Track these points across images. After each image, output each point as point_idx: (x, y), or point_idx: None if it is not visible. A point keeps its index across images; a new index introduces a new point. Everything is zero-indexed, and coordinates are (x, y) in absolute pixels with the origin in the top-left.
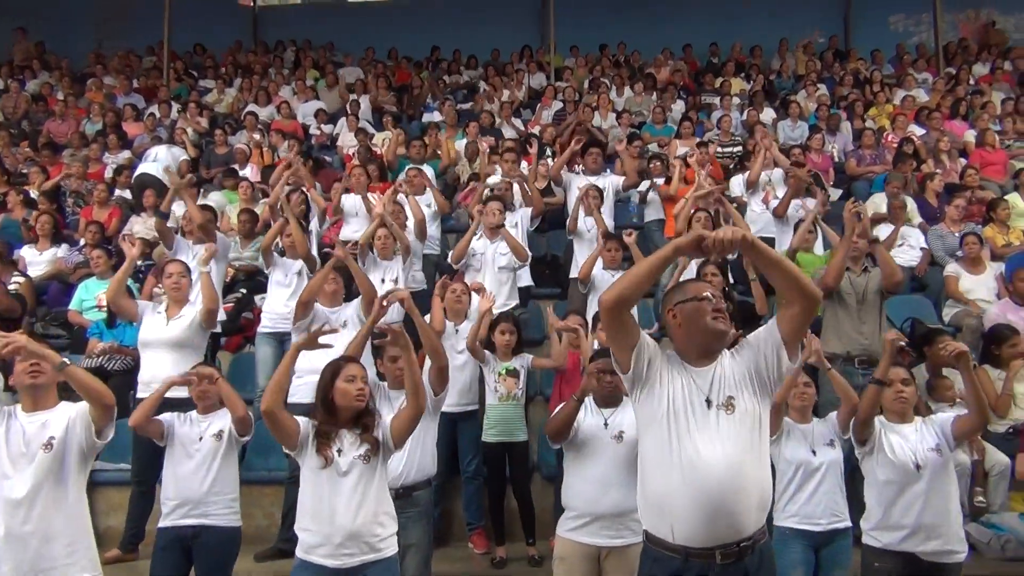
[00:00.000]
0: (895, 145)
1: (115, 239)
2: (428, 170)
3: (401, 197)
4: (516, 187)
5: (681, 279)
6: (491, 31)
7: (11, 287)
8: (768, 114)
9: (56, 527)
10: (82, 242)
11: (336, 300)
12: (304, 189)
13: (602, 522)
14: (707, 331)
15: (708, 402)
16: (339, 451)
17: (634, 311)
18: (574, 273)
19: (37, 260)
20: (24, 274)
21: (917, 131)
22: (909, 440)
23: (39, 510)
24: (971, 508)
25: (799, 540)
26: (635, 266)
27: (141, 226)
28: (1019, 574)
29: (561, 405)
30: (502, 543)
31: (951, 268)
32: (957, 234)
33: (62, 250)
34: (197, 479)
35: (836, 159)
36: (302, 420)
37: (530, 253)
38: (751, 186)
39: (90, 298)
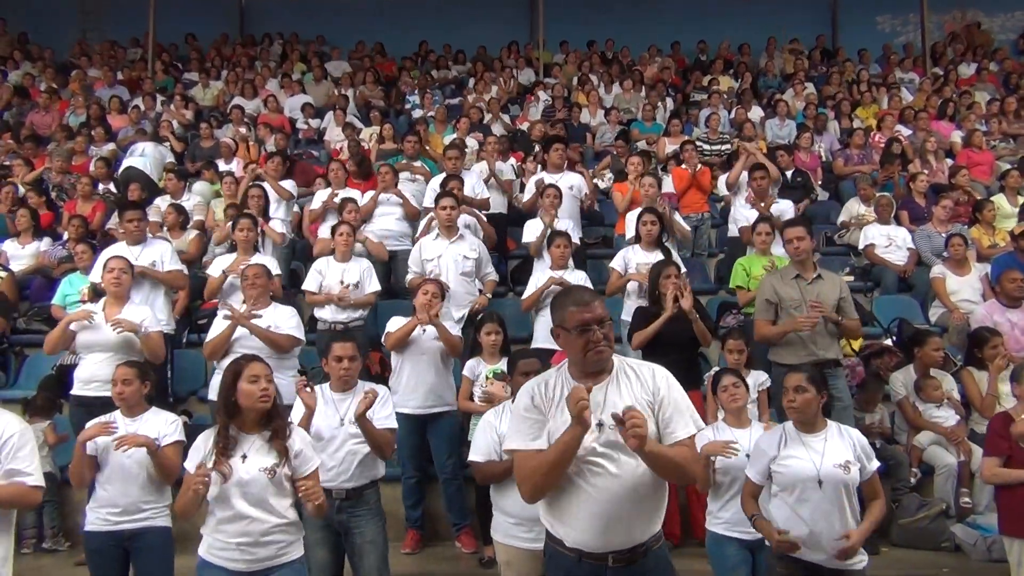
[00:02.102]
0: (882, 145)
1: (99, 233)
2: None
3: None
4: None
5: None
6: (480, 27)
7: None
8: (756, 112)
9: None
10: (65, 236)
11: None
12: (263, 184)
13: (539, 524)
14: (590, 363)
15: (600, 424)
16: (244, 457)
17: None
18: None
19: (19, 254)
20: (6, 268)
21: (904, 131)
22: (817, 453)
23: None
24: (957, 509)
25: (732, 543)
26: (540, 462)
27: None
28: (1004, 574)
29: (489, 460)
30: (489, 542)
31: (937, 269)
32: (944, 234)
33: (44, 244)
34: (137, 483)
35: (823, 158)
36: (195, 457)
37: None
38: (731, 187)
39: (74, 293)
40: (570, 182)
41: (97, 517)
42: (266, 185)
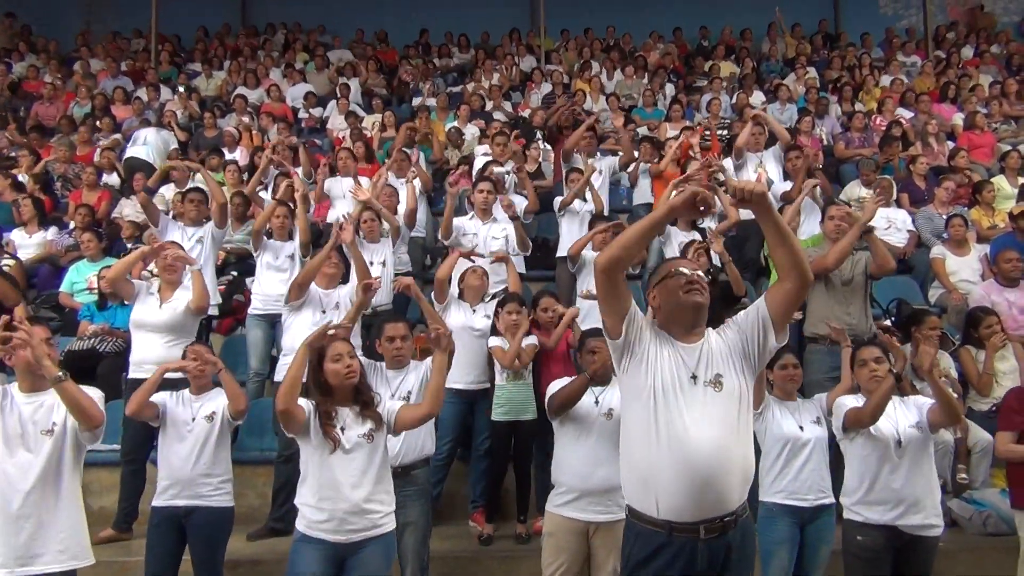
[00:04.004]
0: (883, 128)
1: (105, 222)
2: (420, 154)
3: (396, 181)
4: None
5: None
6: (481, 14)
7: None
8: (757, 97)
9: (51, 513)
10: (72, 225)
11: (333, 282)
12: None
13: (591, 498)
14: (683, 305)
15: (694, 378)
16: (342, 428)
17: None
18: (561, 251)
19: (27, 243)
20: (15, 256)
21: (905, 114)
22: (890, 416)
23: (35, 495)
24: (954, 485)
25: (786, 516)
26: (629, 228)
27: (131, 209)
28: (1000, 548)
29: (570, 380)
30: (491, 520)
31: (937, 250)
32: (944, 216)
33: (51, 233)
34: (190, 460)
35: (824, 142)
36: (305, 404)
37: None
38: (739, 155)
39: (81, 280)
40: (603, 164)
41: (159, 493)
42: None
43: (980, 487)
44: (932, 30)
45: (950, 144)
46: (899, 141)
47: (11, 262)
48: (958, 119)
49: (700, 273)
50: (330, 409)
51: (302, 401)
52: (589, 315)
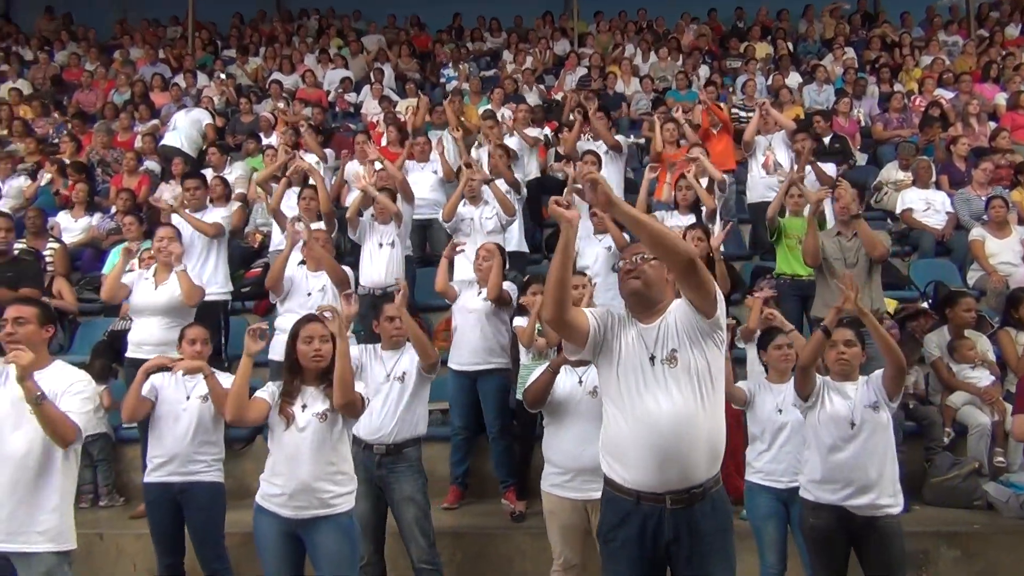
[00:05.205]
0: (922, 109)
1: (145, 206)
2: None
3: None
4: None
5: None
6: None
7: (45, 253)
8: (794, 78)
9: (35, 493)
10: (113, 209)
11: (320, 265)
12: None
13: (584, 476)
14: (623, 292)
15: (652, 358)
16: (303, 407)
17: None
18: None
19: (72, 227)
20: (59, 240)
21: (946, 94)
22: (850, 398)
23: (22, 473)
24: (991, 468)
25: (766, 493)
26: (550, 270)
27: (169, 193)
28: None
29: (537, 375)
30: (523, 498)
31: (976, 232)
32: (984, 198)
33: (96, 219)
34: (185, 438)
35: (862, 123)
36: (266, 393)
37: (517, 208)
38: (747, 147)
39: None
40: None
41: (152, 469)
42: (308, 157)
43: (1017, 470)
44: (975, 9)
45: (992, 125)
46: (939, 122)
47: (56, 245)
48: (1000, 99)
49: (641, 257)
50: (294, 388)
51: (265, 393)
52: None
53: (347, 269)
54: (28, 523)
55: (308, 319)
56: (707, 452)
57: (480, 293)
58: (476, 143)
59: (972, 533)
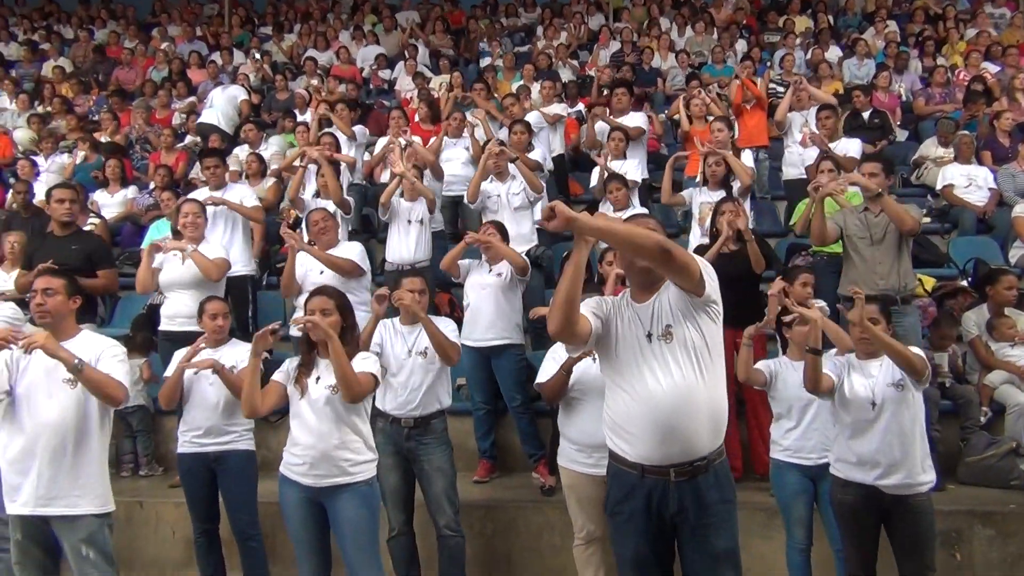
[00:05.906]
0: (966, 83)
1: (183, 182)
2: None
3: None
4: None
5: None
6: None
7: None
8: (834, 52)
9: (74, 458)
10: (152, 185)
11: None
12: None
13: (601, 452)
14: (631, 267)
15: (649, 336)
16: (317, 378)
17: None
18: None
19: (109, 203)
20: (100, 215)
21: (991, 68)
22: (871, 377)
23: (60, 439)
24: None
25: (794, 470)
26: (559, 285)
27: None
28: None
29: (552, 375)
30: (555, 472)
31: (1019, 208)
32: None
33: (131, 191)
34: (217, 409)
35: (903, 98)
36: (281, 375)
37: (544, 184)
38: (780, 126)
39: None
40: (634, 122)
41: (186, 440)
42: (337, 132)
43: None
44: None
45: None
46: (983, 96)
47: (96, 220)
48: None
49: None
50: (310, 360)
51: (281, 376)
52: None
53: (350, 256)
54: (69, 487)
55: (314, 293)
56: (709, 425)
57: (491, 271)
58: (500, 125)
59: (1007, 513)
